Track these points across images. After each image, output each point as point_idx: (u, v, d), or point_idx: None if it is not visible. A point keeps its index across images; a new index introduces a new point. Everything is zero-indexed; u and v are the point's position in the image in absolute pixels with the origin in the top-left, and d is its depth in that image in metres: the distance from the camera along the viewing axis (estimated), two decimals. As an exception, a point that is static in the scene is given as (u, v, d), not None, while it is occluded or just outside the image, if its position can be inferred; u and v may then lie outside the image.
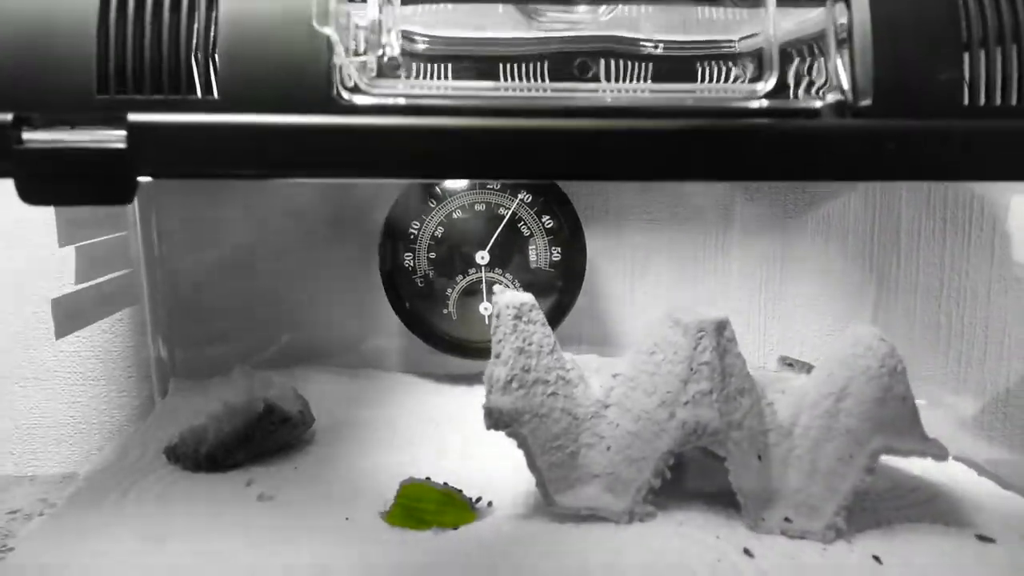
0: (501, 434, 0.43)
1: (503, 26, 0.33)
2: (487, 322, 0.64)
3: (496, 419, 0.43)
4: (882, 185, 0.71)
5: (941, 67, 0.30)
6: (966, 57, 0.31)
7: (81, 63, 0.28)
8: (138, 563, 0.40)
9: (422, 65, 0.32)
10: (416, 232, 0.65)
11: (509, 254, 0.65)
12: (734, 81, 0.32)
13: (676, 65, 0.33)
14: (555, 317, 0.65)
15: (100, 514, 0.46)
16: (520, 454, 0.44)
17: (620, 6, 0.33)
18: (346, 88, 0.29)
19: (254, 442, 0.51)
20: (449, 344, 0.66)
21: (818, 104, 0.30)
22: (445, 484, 0.47)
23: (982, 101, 0.30)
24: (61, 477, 0.60)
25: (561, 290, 0.66)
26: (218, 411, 0.52)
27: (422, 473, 0.49)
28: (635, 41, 0.33)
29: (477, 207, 0.65)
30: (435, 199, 0.65)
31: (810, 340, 0.74)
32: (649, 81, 0.33)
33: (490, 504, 0.46)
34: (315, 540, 0.42)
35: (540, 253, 0.66)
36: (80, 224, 0.53)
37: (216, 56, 0.29)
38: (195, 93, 0.29)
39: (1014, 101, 0.30)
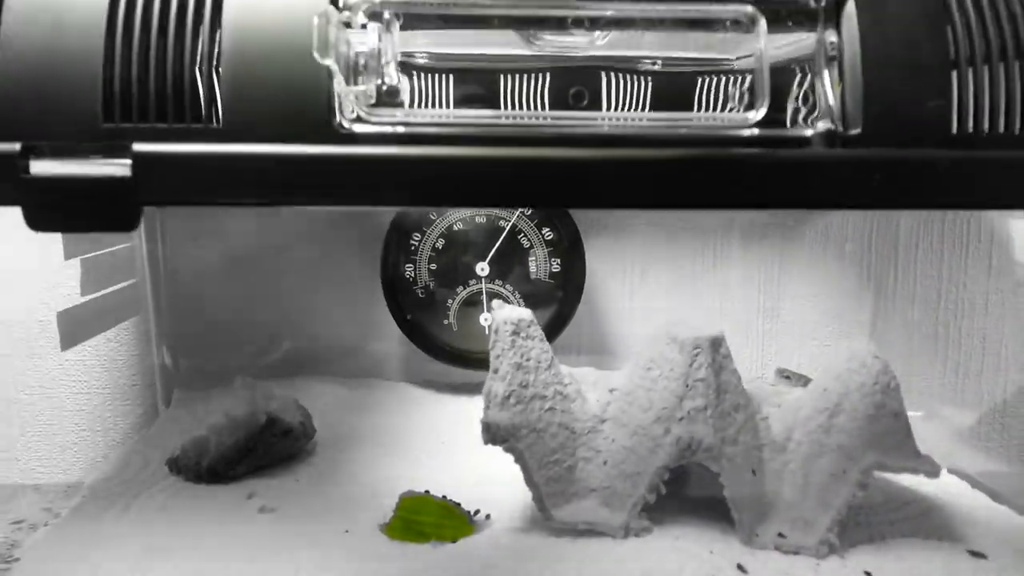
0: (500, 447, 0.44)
1: (503, 47, 0.34)
2: (487, 333, 0.65)
3: (494, 434, 0.44)
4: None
5: (930, 96, 0.31)
6: (955, 86, 0.31)
7: (87, 92, 0.29)
8: (141, 576, 0.41)
9: (423, 77, 0.33)
10: (417, 243, 0.66)
11: (509, 265, 0.66)
12: (728, 106, 0.33)
13: (674, 81, 0.34)
14: (555, 328, 0.66)
15: (103, 526, 0.47)
16: (519, 467, 0.44)
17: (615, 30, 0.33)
18: (346, 117, 0.30)
19: (256, 454, 0.52)
20: (450, 354, 0.67)
21: (808, 132, 0.31)
22: (444, 497, 0.47)
23: (971, 130, 0.31)
24: (66, 486, 0.60)
25: (561, 301, 0.67)
26: (220, 423, 0.52)
27: (422, 485, 0.50)
28: (633, 59, 0.34)
29: (477, 219, 0.66)
30: (436, 211, 0.65)
31: (808, 350, 0.74)
32: (647, 98, 0.33)
33: (488, 517, 0.47)
34: (315, 553, 0.43)
35: (540, 264, 0.66)
36: (85, 237, 0.54)
37: (219, 85, 0.30)
38: (199, 122, 0.29)
39: (1003, 130, 0.31)
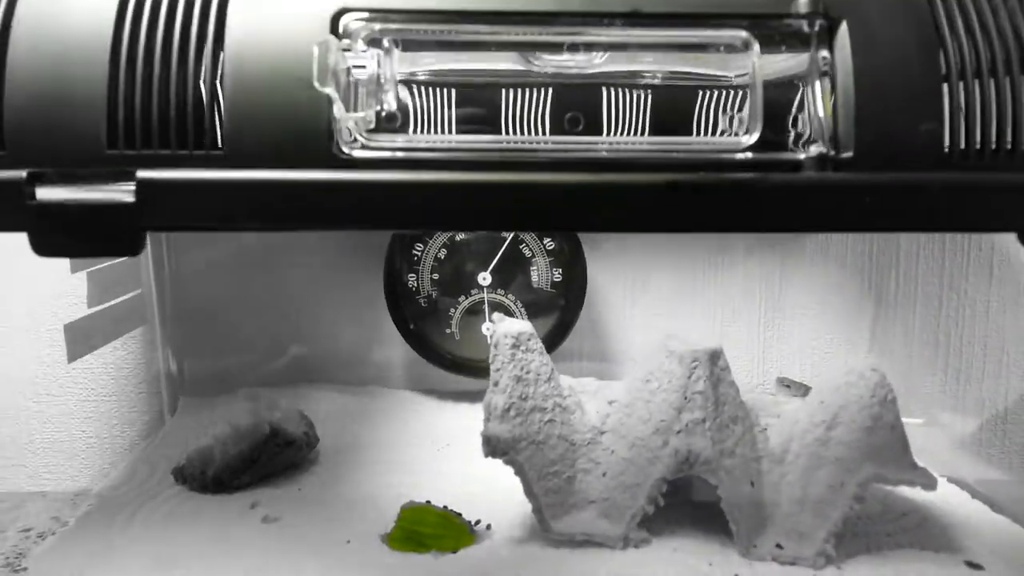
0: (500, 459, 0.45)
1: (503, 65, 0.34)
2: (489, 341, 0.65)
3: (494, 447, 0.44)
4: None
5: (922, 120, 0.31)
6: (946, 109, 0.32)
7: (91, 119, 0.30)
8: (147, 587, 0.42)
9: (423, 91, 0.33)
10: (420, 253, 0.66)
11: (511, 275, 0.66)
12: (727, 120, 0.33)
13: (675, 96, 0.34)
14: (556, 337, 0.66)
15: (110, 535, 0.47)
16: (518, 478, 0.45)
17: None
18: (346, 142, 0.31)
19: (260, 464, 0.52)
20: (452, 363, 0.67)
21: (801, 156, 0.31)
22: (445, 507, 0.48)
23: (962, 153, 0.31)
24: (73, 494, 0.61)
25: (563, 310, 0.67)
26: (224, 433, 0.53)
27: (423, 494, 0.50)
28: (634, 74, 0.34)
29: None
30: (438, 221, 0.66)
31: (809, 358, 0.74)
32: (647, 112, 0.34)
33: (489, 527, 0.48)
34: (318, 563, 0.44)
35: (542, 274, 0.67)
36: (91, 250, 0.54)
37: (221, 112, 0.30)
38: (201, 148, 0.30)
39: (994, 153, 0.31)
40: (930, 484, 0.44)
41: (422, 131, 0.32)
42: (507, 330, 0.47)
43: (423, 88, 0.33)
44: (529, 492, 0.45)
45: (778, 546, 0.45)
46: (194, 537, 0.47)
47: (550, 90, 0.33)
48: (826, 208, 0.30)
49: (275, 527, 0.48)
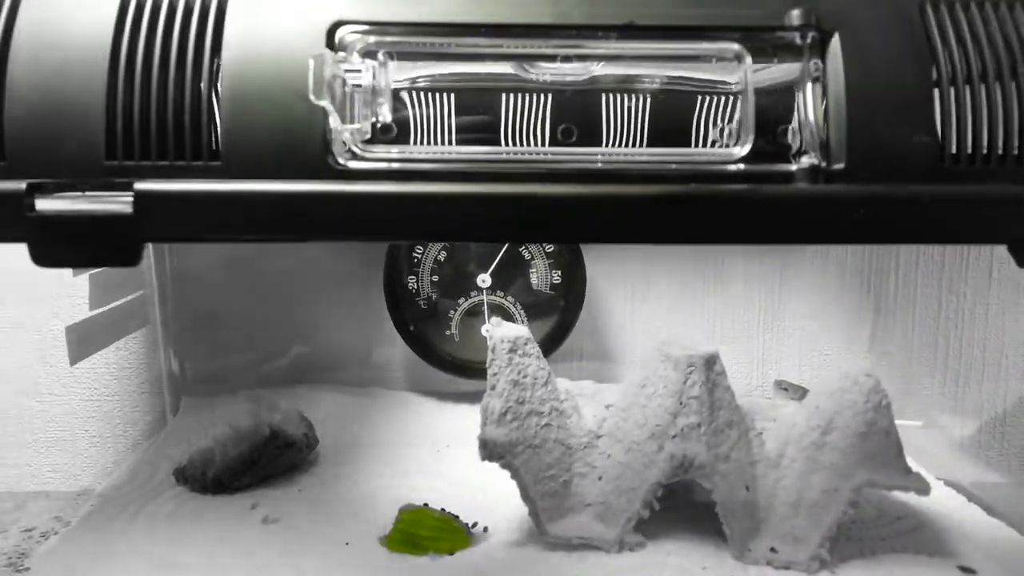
0: (497, 462, 0.45)
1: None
2: (489, 344, 0.66)
3: (491, 451, 0.45)
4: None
5: (914, 131, 0.31)
6: (938, 121, 0.32)
7: (90, 131, 0.30)
8: (147, 588, 0.42)
9: (420, 97, 0.33)
10: (420, 256, 0.67)
11: (511, 277, 0.67)
12: (714, 141, 0.33)
13: (674, 101, 0.34)
14: (556, 339, 0.67)
15: (111, 535, 0.48)
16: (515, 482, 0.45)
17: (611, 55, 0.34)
18: (341, 154, 0.31)
19: (259, 466, 0.53)
20: (452, 364, 0.67)
21: (793, 167, 0.32)
22: (443, 510, 0.48)
23: (954, 165, 0.31)
24: (75, 494, 0.62)
25: (563, 311, 0.67)
26: (225, 435, 0.53)
27: (422, 496, 0.51)
28: (631, 78, 0.34)
29: (479, 230, 0.66)
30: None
31: (808, 360, 0.75)
32: (646, 117, 0.34)
33: (486, 530, 0.48)
34: (316, 564, 0.44)
35: (541, 276, 0.67)
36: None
37: (218, 123, 0.30)
38: (198, 159, 0.30)
39: (985, 165, 0.32)
40: (923, 489, 0.44)
41: (420, 140, 0.32)
42: (504, 335, 0.47)
43: (418, 95, 0.33)
44: (525, 496, 0.45)
45: (772, 550, 0.45)
46: (195, 538, 0.47)
47: (546, 96, 0.34)
48: (817, 220, 0.30)
49: (275, 528, 0.49)
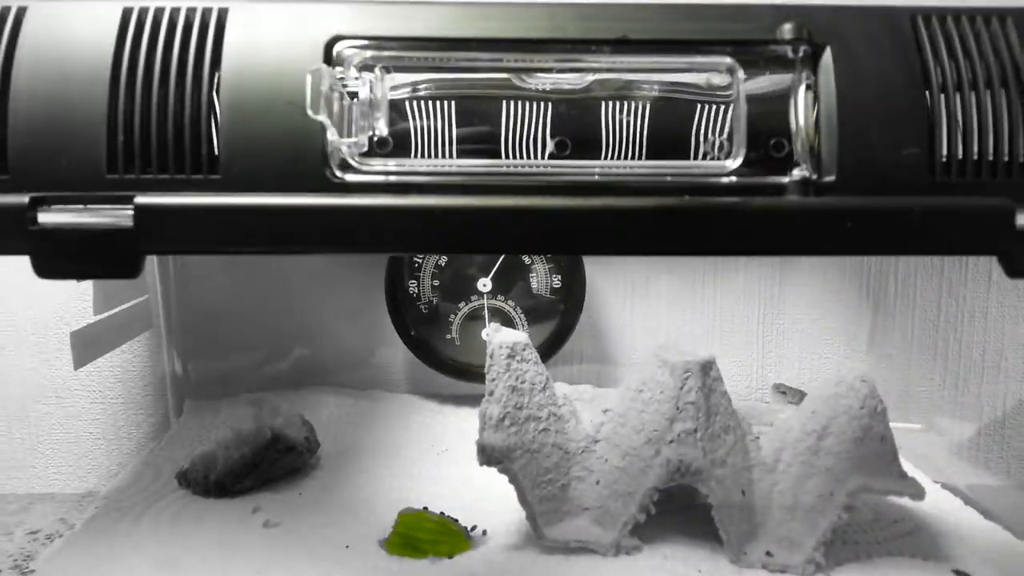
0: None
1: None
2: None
3: (489, 456, 0.45)
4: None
5: (905, 144, 0.32)
6: (929, 134, 0.32)
7: (92, 145, 0.31)
8: (150, 591, 0.43)
9: (419, 105, 0.34)
10: (421, 260, 0.67)
11: (511, 281, 0.67)
12: (705, 153, 0.34)
13: (674, 108, 0.35)
14: (556, 342, 0.67)
15: (115, 538, 0.48)
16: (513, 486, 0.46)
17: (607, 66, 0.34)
18: (339, 167, 0.31)
19: (261, 469, 0.54)
20: (453, 368, 0.68)
21: (784, 180, 0.32)
22: (442, 513, 0.49)
23: (944, 177, 0.32)
24: (80, 496, 0.62)
25: (563, 314, 0.68)
26: (227, 438, 0.54)
27: (422, 499, 0.51)
28: (629, 84, 0.35)
29: (480, 235, 0.67)
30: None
31: (808, 362, 0.75)
32: (645, 125, 0.34)
33: (484, 533, 0.49)
34: (317, 568, 0.45)
35: (541, 280, 0.67)
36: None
37: (218, 137, 0.31)
38: (198, 172, 0.31)
39: (975, 177, 0.32)
40: (918, 494, 0.45)
41: (419, 152, 0.33)
42: (503, 341, 0.47)
43: (415, 106, 0.34)
44: (523, 500, 0.46)
45: (768, 554, 0.45)
46: (197, 542, 0.48)
47: (540, 109, 0.34)
48: (808, 232, 0.31)
49: (276, 532, 0.49)
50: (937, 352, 0.72)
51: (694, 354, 0.47)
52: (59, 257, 0.30)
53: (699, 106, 0.33)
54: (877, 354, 0.74)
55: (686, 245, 0.30)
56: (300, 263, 0.72)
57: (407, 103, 0.33)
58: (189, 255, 0.28)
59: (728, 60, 0.32)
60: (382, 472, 0.57)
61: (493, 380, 0.47)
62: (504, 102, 0.33)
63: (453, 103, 0.33)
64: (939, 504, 0.54)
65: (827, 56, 0.32)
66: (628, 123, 0.33)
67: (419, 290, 0.67)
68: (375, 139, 0.32)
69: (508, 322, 0.67)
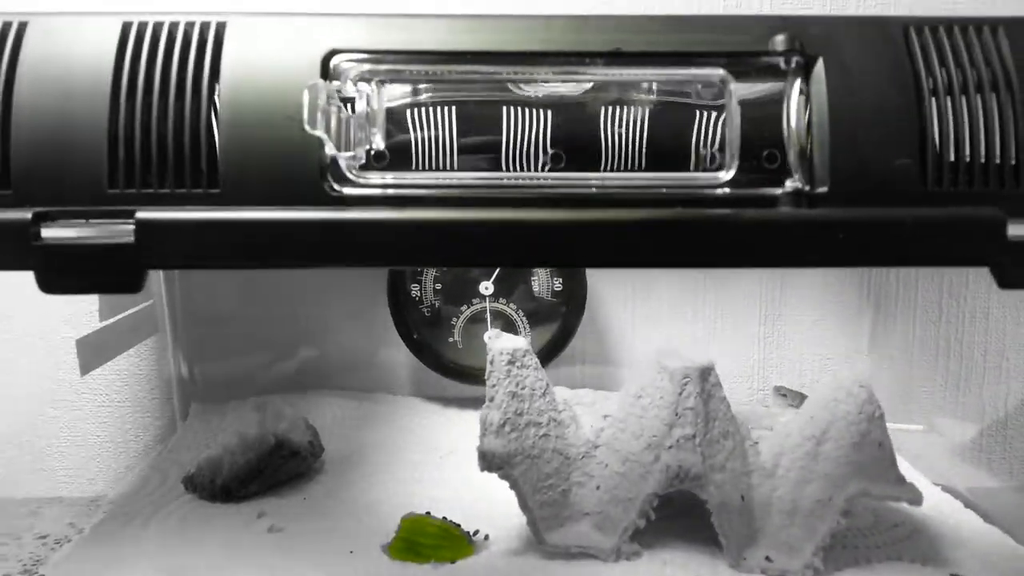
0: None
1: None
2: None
3: (489, 462, 0.46)
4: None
5: (897, 155, 0.32)
6: (921, 145, 0.32)
7: (93, 161, 0.31)
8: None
9: (415, 120, 0.34)
10: (423, 263, 0.68)
11: (513, 284, 0.68)
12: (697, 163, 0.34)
13: (660, 127, 0.35)
14: (557, 345, 0.68)
15: (123, 543, 0.49)
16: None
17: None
18: (337, 180, 0.32)
19: (266, 474, 0.54)
20: (456, 371, 0.68)
21: (777, 191, 0.32)
22: (444, 518, 0.49)
23: (937, 188, 0.32)
24: (89, 500, 0.63)
25: (564, 317, 0.68)
26: (232, 443, 0.55)
27: (425, 503, 0.52)
28: (621, 102, 0.35)
29: (482, 239, 0.67)
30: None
31: (809, 364, 0.75)
32: (645, 129, 0.34)
33: (487, 538, 0.49)
34: (320, 573, 0.45)
35: (543, 283, 0.68)
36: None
37: (217, 152, 0.31)
38: (198, 187, 0.31)
39: (967, 188, 0.32)
40: (916, 499, 0.45)
41: (416, 162, 0.33)
42: (503, 347, 0.48)
43: (413, 118, 0.34)
44: (524, 505, 0.46)
45: (767, 559, 0.46)
46: (204, 547, 0.48)
47: (540, 113, 0.34)
48: (800, 244, 0.31)
49: (280, 537, 0.50)
50: (939, 353, 0.72)
51: (693, 360, 0.47)
52: (62, 272, 0.30)
53: (695, 114, 0.33)
54: (878, 355, 0.74)
55: (680, 258, 0.31)
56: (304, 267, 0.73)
57: (405, 111, 0.34)
58: (190, 269, 0.28)
59: (721, 72, 0.33)
60: (385, 476, 0.58)
61: (493, 386, 0.47)
62: (504, 110, 0.33)
63: (451, 111, 0.33)
64: (939, 507, 0.54)
65: (819, 67, 0.33)
66: (621, 134, 0.33)
67: (421, 293, 0.68)
68: (372, 152, 0.33)
69: (510, 325, 0.68)
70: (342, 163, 0.32)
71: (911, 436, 0.68)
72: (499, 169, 0.33)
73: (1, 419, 0.70)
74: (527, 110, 0.33)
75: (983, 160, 0.32)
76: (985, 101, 0.33)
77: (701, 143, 0.33)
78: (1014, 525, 0.52)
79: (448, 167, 0.33)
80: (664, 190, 0.32)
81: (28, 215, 0.30)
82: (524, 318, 0.68)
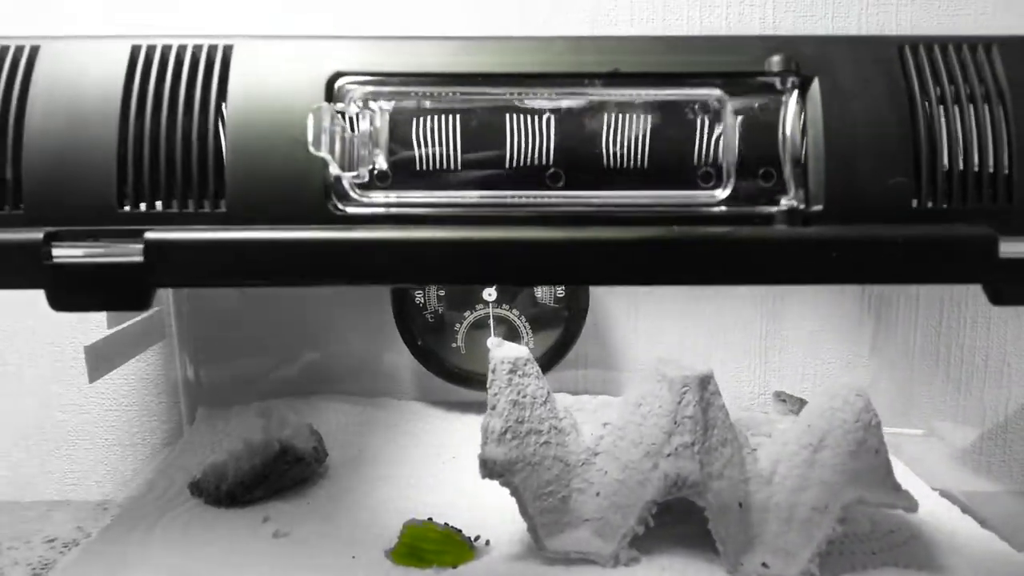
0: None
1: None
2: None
3: (490, 469, 0.46)
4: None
5: (891, 173, 0.33)
6: (915, 164, 0.33)
7: (102, 181, 0.32)
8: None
9: (427, 120, 0.35)
10: (427, 269, 0.68)
11: (516, 290, 0.68)
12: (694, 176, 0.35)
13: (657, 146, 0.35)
14: (560, 350, 0.68)
15: (130, 548, 0.50)
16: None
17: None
18: (341, 200, 0.33)
19: (271, 480, 0.55)
20: (459, 376, 0.69)
21: (772, 210, 0.33)
22: (446, 524, 0.50)
23: (930, 206, 0.33)
24: (96, 503, 0.64)
25: (567, 322, 0.69)
26: (237, 449, 0.55)
27: (427, 508, 0.52)
28: (626, 111, 0.36)
29: (485, 245, 0.68)
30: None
31: (810, 369, 0.76)
32: (648, 136, 0.35)
33: (488, 543, 0.50)
34: (325, 578, 0.46)
35: (545, 289, 0.68)
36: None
37: (224, 173, 0.32)
38: (205, 207, 0.32)
39: (961, 206, 0.33)
40: (911, 507, 0.46)
41: (421, 168, 0.34)
42: (504, 356, 0.48)
43: (416, 137, 0.35)
44: (524, 512, 0.47)
45: (764, 565, 0.46)
46: (209, 551, 0.49)
47: (552, 117, 0.35)
48: (795, 262, 0.32)
49: (284, 542, 0.50)
50: (939, 357, 0.73)
51: (692, 369, 0.48)
52: (73, 291, 0.31)
53: (694, 132, 0.34)
54: (879, 359, 0.74)
55: (676, 276, 0.31)
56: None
57: (408, 130, 0.34)
58: (198, 287, 0.29)
59: (718, 92, 0.33)
60: (388, 481, 0.59)
61: (495, 394, 0.48)
62: (506, 128, 0.33)
63: (453, 130, 0.34)
64: (936, 513, 0.55)
65: (815, 87, 0.33)
66: (619, 154, 0.34)
67: (425, 300, 0.68)
68: (375, 172, 0.33)
69: (513, 330, 0.68)
70: (345, 183, 0.32)
71: (911, 440, 0.69)
72: (500, 187, 0.34)
73: (10, 422, 0.71)
74: (529, 127, 0.34)
75: (976, 178, 0.32)
76: (979, 120, 0.33)
77: (699, 161, 0.34)
78: (1011, 531, 0.53)
79: (449, 185, 0.34)
80: (661, 208, 0.33)
81: (40, 235, 0.31)
82: (527, 324, 0.69)
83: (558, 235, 0.31)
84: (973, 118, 0.33)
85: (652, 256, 0.31)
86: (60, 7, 0.68)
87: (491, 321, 0.68)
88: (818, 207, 0.32)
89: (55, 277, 0.31)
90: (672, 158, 0.34)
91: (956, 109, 0.33)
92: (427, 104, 0.34)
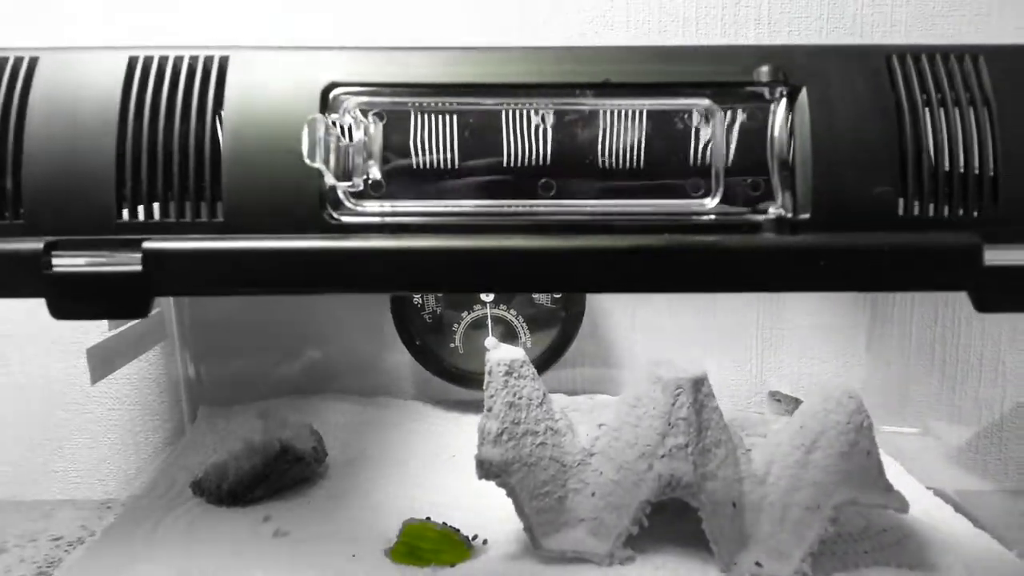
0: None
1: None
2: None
3: (487, 470, 0.47)
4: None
5: (878, 182, 0.33)
6: (901, 172, 0.33)
7: (101, 192, 0.32)
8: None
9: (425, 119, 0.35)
10: (425, 270, 0.69)
11: (513, 290, 0.69)
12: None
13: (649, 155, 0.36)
14: (557, 350, 0.69)
15: (133, 546, 0.51)
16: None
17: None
18: (336, 209, 0.33)
19: (271, 479, 0.56)
20: (458, 376, 0.70)
21: (760, 218, 0.33)
22: (444, 524, 0.51)
23: (916, 214, 0.33)
24: (100, 502, 0.65)
25: (564, 322, 0.69)
26: (238, 449, 0.56)
27: (426, 507, 0.53)
28: (609, 132, 0.36)
29: (483, 246, 0.68)
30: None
31: (807, 367, 0.76)
32: (643, 138, 0.35)
33: (485, 542, 0.50)
34: (324, 576, 0.47)
35: (543, 289, 0.69)
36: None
37: (221, 184, 0.33)
38: (202, 217, 0.33)
39: (946, 214, 0.33)
40: (902, 508, 0.46)
41: (417, 167, 0.34)
42: (501, 358, 0.49)
43: (426, 115, 0.35)
44: (520, 512, 0.48)
45: (757, 564, 0.47)
46: (211, 550, 0.50)
47: (551, 116, 0.35)
48: (782, 270, 0.32)
49: (285, 541, 0.51)
50: (935, 356, 0.73)
51: (686, 370, 0.48)
52: (73, 299, 0.32)
53: (684, 139, 0.34)
54: (874, 358, 0.75)
55: (667, 283, 0.32)
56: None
57: (403, 139, 0.35)
58: (195, 296, 0.30)
59: (707, 102, 0.34)
60: (388, 481, 0.59)
61: (491, 396, 0.48)
62: (499, 135, 0.34)
63: (446, 140, 0.34)
64: (930, 512, 0.55)
65: (803, 97, 0.34)
66: (610, 163, 0.34)
67: (423, 300, 0.69)
68: (370, 181, 0.34)
69: (510, 330, 0.69)
70: (340, 192, 0.33)
71: (906, 439, 0.69)
72: (493, 196, 0.34)
73: (13, 422, 0.72)
74: (520, 137, 0.35)
75: (962, 187, 0.33)
76: (965, 129, 0.34)
77: (689, 170, 0.34)
78: (1003, 530, 0.53)
79: (442, 194, 0.34)
80: (653, 217, 0.33)
81: (40, 245, 0.32)
82: (524, 324, 0.69)
83: (549, 244, 0.32)
84: (960, 127, 0.33)
85: (643, 264, 0.32)
86: (60, 7, 0.68)
87: (489, 321, 0.69)
88: (805, 215, 0.33)
89: (56, 286, 0.32)
90: (662, 167, 0.34)
91: (943, 118, 0.34)
92: (420, 114, 0.34)
